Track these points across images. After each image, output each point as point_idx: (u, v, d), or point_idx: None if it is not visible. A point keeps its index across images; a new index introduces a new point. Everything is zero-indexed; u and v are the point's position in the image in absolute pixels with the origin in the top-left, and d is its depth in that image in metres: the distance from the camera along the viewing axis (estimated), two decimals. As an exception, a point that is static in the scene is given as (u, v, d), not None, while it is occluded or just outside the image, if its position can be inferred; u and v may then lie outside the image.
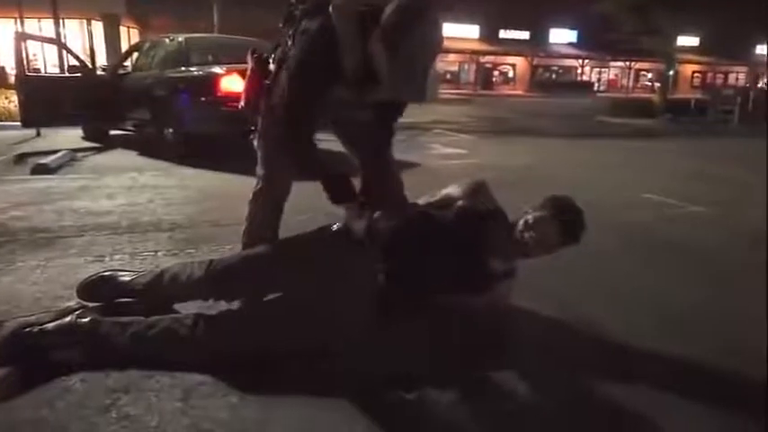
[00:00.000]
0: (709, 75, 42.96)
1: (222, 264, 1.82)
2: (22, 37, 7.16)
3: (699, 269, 2.78)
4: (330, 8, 1.71)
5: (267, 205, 2.06)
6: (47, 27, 13.16)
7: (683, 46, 29.12)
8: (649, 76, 40.98)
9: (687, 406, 1.56)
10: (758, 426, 1.50)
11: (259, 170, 2.06)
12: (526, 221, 1.90)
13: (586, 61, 39.41)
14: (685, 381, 1.70)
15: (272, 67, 1.97)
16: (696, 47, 37.05)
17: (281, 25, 1.94)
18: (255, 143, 2.05)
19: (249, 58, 2.06)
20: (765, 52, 34.24)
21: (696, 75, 42.76)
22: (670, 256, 2.98)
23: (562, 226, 1.87)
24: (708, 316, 2.21)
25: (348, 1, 1.73)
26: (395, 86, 1.67)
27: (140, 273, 1.96)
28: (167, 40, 6.61)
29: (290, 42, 1.86)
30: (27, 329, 1.59)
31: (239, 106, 2.10)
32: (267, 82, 1.96)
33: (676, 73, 29.68)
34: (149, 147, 6.12)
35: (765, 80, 30.60)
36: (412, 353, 1.76)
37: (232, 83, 4.97)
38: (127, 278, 1.92)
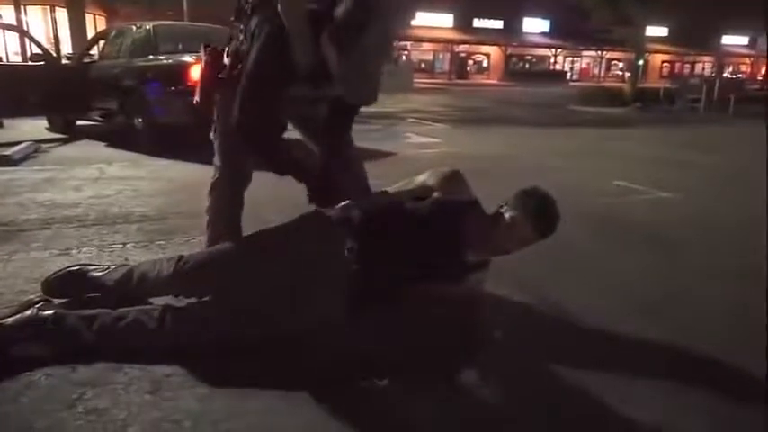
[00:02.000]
0: (678, 64, 43.89)
1: (191, 260, 1.77)
2: (-20, 24, 6.90)
3: (666, 253, 2.84)
4: (278, 5, 1.70)
5: (227, 195, 2.04)
6: (7, 14, 12.69)
7: (652, 36, 29.64)
8: (620, 65, 41.69)
9: (660, 389, 1.60)
10: (725, 402, 1.55)
11: (216, 161, 2.04)
12: (502, 220, 1.85)
13: (559, 51, 39.85)
14: (656, 364, 1.74)
15: (225, 60, 1.95)
16: (665, 37, 37.77)
17: (232, 19, 1.93)
18: (212, 136, 2.03)
19: (202, 52, 2.03)
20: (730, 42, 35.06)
21: (665, 64, 43.64)
22: (639, 242, 3.04)
23: (538, 223, 1.83)
24: (676, 299, 2.26)
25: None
26: (346, 87, 1.70)
27: (110, 268, 1.90)
28: (135, 28, 6.44)
29: (241, 36, 1.85)
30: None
31: (194, 102, 2.07)
32: (221, 76, 1.94)
33: (646, 63, 30.22)
34: (117, 137, 5.98)
35: (730, 70, 31.37)
36: (384, 340, 1.76)
37: (202, 71, 4.88)
38: (97, 273, 1.85)
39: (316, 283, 1.69)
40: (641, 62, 19.21)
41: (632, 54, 19.74)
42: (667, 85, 17.52)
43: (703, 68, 43.50)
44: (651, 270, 2.58)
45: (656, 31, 33.01)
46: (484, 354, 1.78)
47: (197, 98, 2.06)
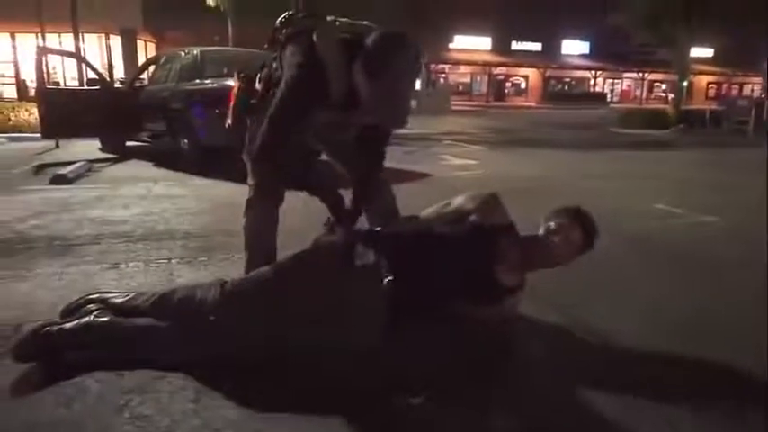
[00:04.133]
0: (725, 86, 42.62)
1: (234, 286, 1.77)
2: (43, 51, 7.35)
3: (705, 278, 2.77)
4: (314, 36, 1.81)
5: (260, 213, 2.11)
6: (67, 41, 13.49)
7: (697, 57, 28.95)
8: (663, 87, 40.80)
9: (693, 414, 1.56)
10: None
11: (249, 180, 2.13)
12: (548, 227, 1.93)
13: (599, 72, 39.36)
14: (690, 394, 1.70)
15: (258, 86, 2.06)
16: (711, 58, 36.83)
17: (265, 46, 2.04)
18: (244, 157, 2.14)
19: (236, 78, 2.16)
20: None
21: (711, 86, 42.45)
22: (678, 266, 2.97)
23: (582, 230, 1.91)
24: (714, 326, 2.20)
25: (331, 30, 1.84)
26: (376, 112, 1.80)
27: (130, 294, 1.87)
28: (183, 54, 6.74)
29: (274, 65, 1.96)
30: (47, 329, 1.64)
31: (226, 125, 2.20)
32: (253, 101, 2.05)
33: (690, 84, 29.47)
34: (164, 158, 6.25)
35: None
36: (417, 361, 1.78)
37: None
38: (118, 300, 1.83)
39: (348, 308, 1.73)
40: (685, 83, 18.77)
41: (675, 75, 19.32)
42: (714, 107, 17.05)
43: (752, 90, 42.05)
44: (689, 295, 2.52)
45: (701, 51, 32.27)
46: (516, 374, 1.78)
47: (229, 121, 2.18)
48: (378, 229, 2.00)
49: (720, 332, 2.12)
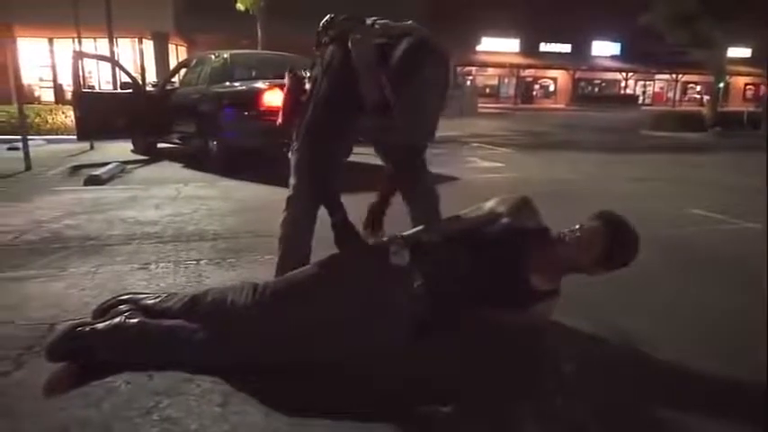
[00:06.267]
0: (763, 87, 41.26)
1: (267, 289, 1.76)
2: (79, 56, 7.55)
3: (745, 286, 2.65)
4: (350, 42, 1.79)
5: (299, 212, 2.11)
6: (102, 45, 13.82)
7: (734, 58, 28.12)
8: (698, 88, 39.78)
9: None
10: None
11: (292, 179, 2.12)
12: (572, 227, 1.85)
13: (630, 74, 38.60)
14: (730, 407, 1.63)
15: (308, 86, 2.06)
16: (748, 58, 35.74)
17: (314, 48, 2.03)
18: (290, 154, 2.13)
19: (286, 77, 2.14)
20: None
21: (749, 87, 41.16)
22: (716, 273, 2.85)
23: (610, 240, 1.78)
24: (754, 332, 2.10)
25: (366, 34, 1.82)
26: (399, 126, 1.79)
27: (161, 296, 1.86)
28: (213, 57, 6.83)
29: (318, 66, 1.95)
30: (79, 329, 1.66)
31: (277, 123, 2.19)
32: (303, 99, 2.04)
33: (727, 85, 28.64)
34: (194, 159, 6.33)
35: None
36: (447, 366, 1.74)
37: (274, 97, 5.09)
38: (150, 301, 1.82)
39: (377, 308, 1.71)
40: (722, 84, 18.21)
41: (711, 76, 18.78)
42: (752, 109, 16.52)
43: (793, 91, 40.72)
44: (728, 304, 2.41)
45: (738, 51, 31.32)
46: (550, 384, 1.72)
47: (280, 120, 2.18)
48: (412, 232, 1.96)
49: (762, 340, 2.02)
